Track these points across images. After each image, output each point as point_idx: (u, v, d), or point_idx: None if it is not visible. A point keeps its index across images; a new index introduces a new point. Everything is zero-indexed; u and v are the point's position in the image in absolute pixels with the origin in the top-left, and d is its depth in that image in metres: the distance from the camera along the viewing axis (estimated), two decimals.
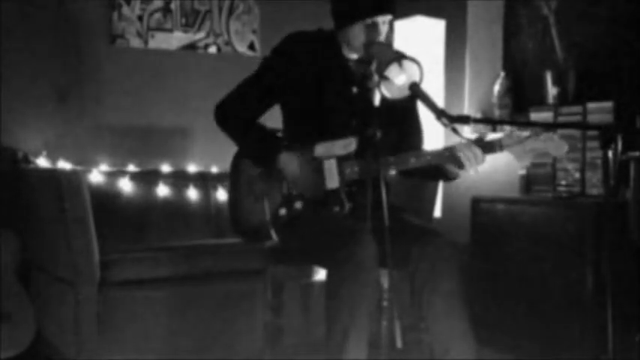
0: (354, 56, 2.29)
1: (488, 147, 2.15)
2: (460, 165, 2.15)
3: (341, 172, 2.23)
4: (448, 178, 2.29)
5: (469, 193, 3.42)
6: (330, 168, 2.23)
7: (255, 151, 2.33)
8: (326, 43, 2.32)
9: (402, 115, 2.37)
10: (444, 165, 2.21)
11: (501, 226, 3.23)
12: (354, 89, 2.30)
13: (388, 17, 2.22)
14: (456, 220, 3.59)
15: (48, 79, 3.61)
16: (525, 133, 2.16)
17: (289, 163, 2.25)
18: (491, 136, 2.18)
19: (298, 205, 2.28)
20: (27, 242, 3.15)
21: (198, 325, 3.03)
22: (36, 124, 3.56)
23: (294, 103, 2.36)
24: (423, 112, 2.12)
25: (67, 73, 3.67)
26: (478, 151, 2.13)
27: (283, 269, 2.45)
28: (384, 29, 2.21)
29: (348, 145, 2.23)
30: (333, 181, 2.23)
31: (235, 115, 2.35)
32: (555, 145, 2.16)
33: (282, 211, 2.29)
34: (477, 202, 3.35)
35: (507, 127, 3.65)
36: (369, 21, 2.18)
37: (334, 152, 2.23)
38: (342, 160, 2.23)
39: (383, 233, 1.97)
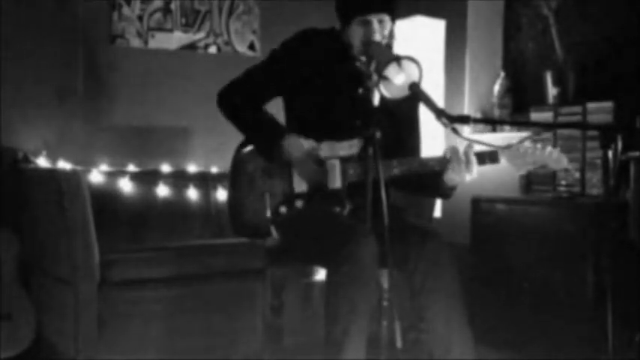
0: (363, 58, 2.29)
1: (481, 158, 2.16)
2: (445, 167, 2.15)
3: (343, 173, 2.23)
4: (442, 193, 2.28)
5: (469, 193, 3.41)
6: (333, 168, 2.23)
7: (260, 136, 2.33)
8: (336, 42, 2.32)
9: (401, 117, 2.37)
10: (441, 177, 2.21)
11: (501, 226, 3.23)
12: (360, 90, 2.30)
13: (384, 16, 2.22)
14: (456, 220, 3.59)
15: (48, 79, 3.61)
16: (526, 144, 2.16)
17: (295, 145, 2.25)
18: (489, 145, 2.17)
19: (299, 203, 2.28)
20: (27, 242, 3.15)
21: (198, 325, 3.03)
22: (36, 124, 3.55)
23: (298, 100, 2.36)
24: (423, 112, 2.12)
25: (67, 73, 3.67)
26: (472, 158, 2.13)
27: (283, 269, 2.45)
28: (379, 28, 2.21)
29: (351, 146, 2.23)
30: (335, 182, 2.24)
31: (239, 100, 2.36)
32: (555, 158, 2.16)
33: (283, 209, 2.29)
34: (477, 202, 3.34)
35: (507, 127, 3.67)
36: (361, 19, 2.19)
37: (337, 153, 2.24)
38: (344, 161, 2.24)
39: (383, 233, 1.96)
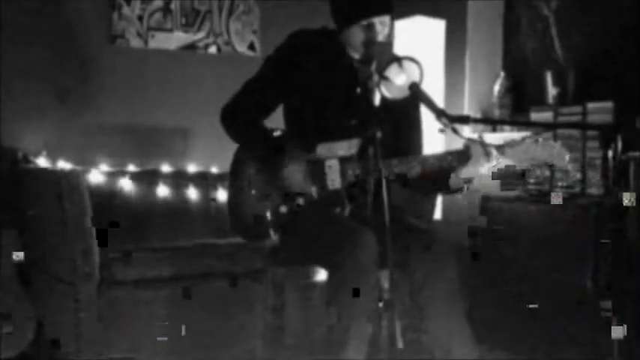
0: (357, 56, 2.29)
1: (501, 149, 2.15)
2: (467, 160, 2.14)
3: (343, 173, 2.23)
4: (450, 190, 2.27)
5: (469, 193, 3.41)
6: (332, 169, 2.23)
7: (264, 153, 2.32)
8: (330, 42, 2.32)
9: (402, 117, 2.37)
10: (450, 174, 2.20)
11: (502, 226, 3.23)
12: (358, 89, 2.30)
13: (385, 18, 2.21)
14: (456, 221, 3.59)
15: (48, 79, 3.61)
16: (528, 141, 2.16)
17: (296, 167, 2.25)
18: (492, 142, 2.17)
19: (299, 202, 2.28)
20: (27, 242, 3.15)
21: (198, 325, 3.03)
22: (36, 124, 3.56)
23: (296, 102, 2.36)
24: (423, 112, 2.12)
25: (67, 73, 3.67)
26: (491, 149, 2.12)
27: (283, 270, 2.45)
28: (381, 29, 2.21)
29: (350, 146, 2.23)
30: (334, 182, 2.23)
31: (241, 118, 2.35)
32: (557, 154, 2.15)
33: (283, 209, 2.29)
34: (485, 201, 3.34)
35: (507, 127, 3.67)
36: (364, 22, 2.18)
37: (336, 153, 2.24)
38: (344, 161, 2.23)
39: (383, 234, 1.97)
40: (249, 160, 2.37)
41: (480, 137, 2.14)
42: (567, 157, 2.16)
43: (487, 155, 2.12)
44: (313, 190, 2.25)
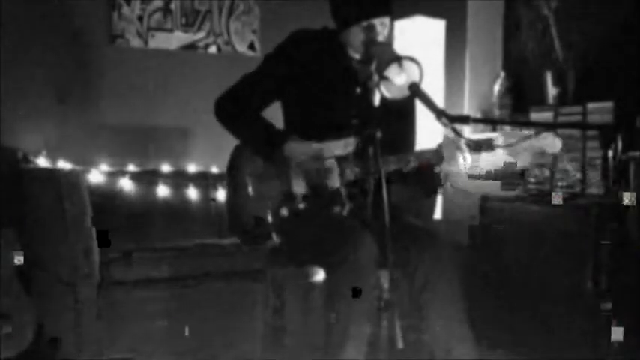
0: (357, 56, 2.29)
1: (476, 146, 2.16)
2: (440, 159, 2.16)
3: (341, 172, 2.23)
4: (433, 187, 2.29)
5: (469, 193, 3.41)
6: (331, 168, 2.23)
7: (260, 141, 2.31)
8: (330, 42, 2.32)
9: (399, 116, 2.37)
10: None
11: (502, 225, 3.23)
12: (358, 89, 2.30)
13: (385, 19, 2.22)
14: (456, 221, 3.58)
15: (48, 79, 3.61)
16: (525, 132, 2.17)
17: (298, 149, 2.25)
18: (486, 136, 2.18)
19: (299, 204, 2.28)
20: (27, 242, 3.15)
21: (198, 325, 3.03)
22: (36, 124, 3.56)
23: (295, 101, 2.36)
24: (424, 112, 2.12)
25: (66, 73, 3.67)
26: (462, 146, 2.13)
27: (283, 270, 2.45)
28: (382, 30, 2.21)
29: (347, 145, 2.23)
30: (333, 181, 2.23)
31: (235, 108, 2.34)
32: (549, 143, 2.17)
33: (284, 211, 2.28)
34: (485, 201, 3.34)
35: (507, 128, 3.67)
36: (365, 23, 2.19)
37: (335, 152, 2.24)
38: (342, 160, 2.23)
39: (383, 234, 1.97)
40: (247, 159, 2.36)
41: (456, 133, 2.14)
42: (560, 144, 2.18)
43: (460, 151, 2.13)
44: (312, 188, 2.25)
